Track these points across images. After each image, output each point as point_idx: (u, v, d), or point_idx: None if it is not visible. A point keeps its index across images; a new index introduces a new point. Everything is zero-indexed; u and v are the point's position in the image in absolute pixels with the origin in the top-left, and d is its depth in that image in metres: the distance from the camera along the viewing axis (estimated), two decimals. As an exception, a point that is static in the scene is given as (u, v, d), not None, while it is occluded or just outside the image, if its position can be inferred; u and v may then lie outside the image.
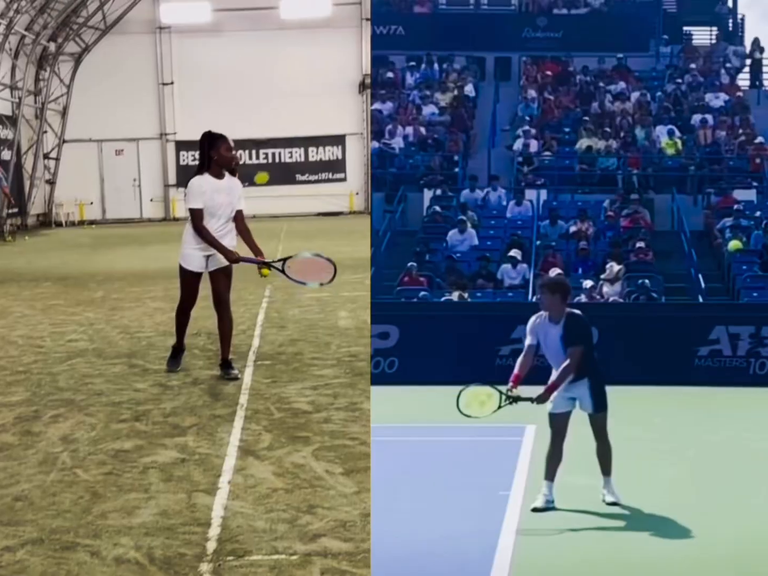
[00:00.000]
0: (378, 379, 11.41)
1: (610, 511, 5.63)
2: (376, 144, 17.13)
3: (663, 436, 7.95)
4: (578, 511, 5.64)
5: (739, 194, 15.59)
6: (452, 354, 10.84)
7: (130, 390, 6.79)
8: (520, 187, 15.95)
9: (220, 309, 7.09)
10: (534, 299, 12.59)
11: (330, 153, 28.99)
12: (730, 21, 21.73)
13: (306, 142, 28.73)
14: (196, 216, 6.83)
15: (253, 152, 28.62)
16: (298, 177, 29.09)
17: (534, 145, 16.98)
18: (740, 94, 18.70)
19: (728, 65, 19.64)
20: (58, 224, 28.58)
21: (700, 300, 12.61)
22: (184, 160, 27.58)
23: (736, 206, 14.91)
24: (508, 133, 17.69)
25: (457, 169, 16.66)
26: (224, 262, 6.95)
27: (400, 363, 11.37)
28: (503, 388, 5.59)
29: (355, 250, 16.92)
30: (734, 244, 13.93)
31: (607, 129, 17.16)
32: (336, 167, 29.14)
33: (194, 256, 6.99)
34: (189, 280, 7.11)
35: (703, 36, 21.81)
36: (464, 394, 5.68)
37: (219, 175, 6.89)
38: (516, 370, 5.73)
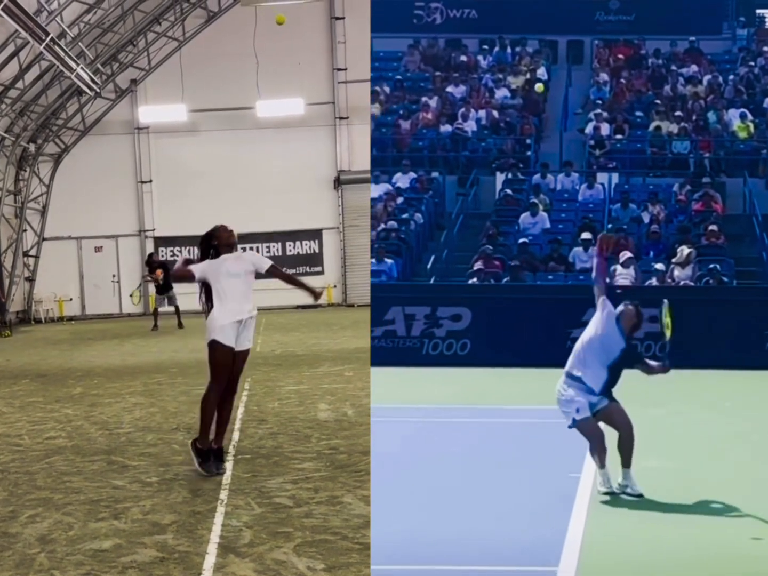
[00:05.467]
0: (450, 360, 11.73)
1: (679, 493, 5.64)
2: (449, 127, 17.40)
3: (732, 420, 7.94)
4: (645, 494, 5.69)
5: (812, 178, 15.64)
6: (524, 336, 10.80)
7: (108, 487, 6.72)
8: (591, 170, 16.10)
9: (229, 395, 7.11)
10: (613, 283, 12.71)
11: (307, 247, 29.29)
12: (804, 3, 21.89)
13: (283, 236, 29.05)
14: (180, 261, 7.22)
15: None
16: (276, 271, 29.29)
17: (606, 129, 17.16)
18: (814, 77, 18.74)
19: (802, 48, 19.62)
20: (38, 321, 28.49)
21: None
22: (162, 256, 27.72)
23: None
24: (580, 116, 17.92)
25: (529, 153, 16.93)
26: (247, 345, 7.05)
27: (473, 345, 11.38)
28: None
29: (333, 343, 16.96)
30: (806, 228, 13.95)
31: (679, 112, 17.23)
32: (313, 261, 29.41)
33: (228, 328, 6.92)
34: (227, 358, 6.96)
35: (776, 18, 21.77)
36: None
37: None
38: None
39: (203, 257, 7.22)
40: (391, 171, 16.86)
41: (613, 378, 6.09)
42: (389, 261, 14.15)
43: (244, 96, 27.80)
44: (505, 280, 12.94)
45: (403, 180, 16.62)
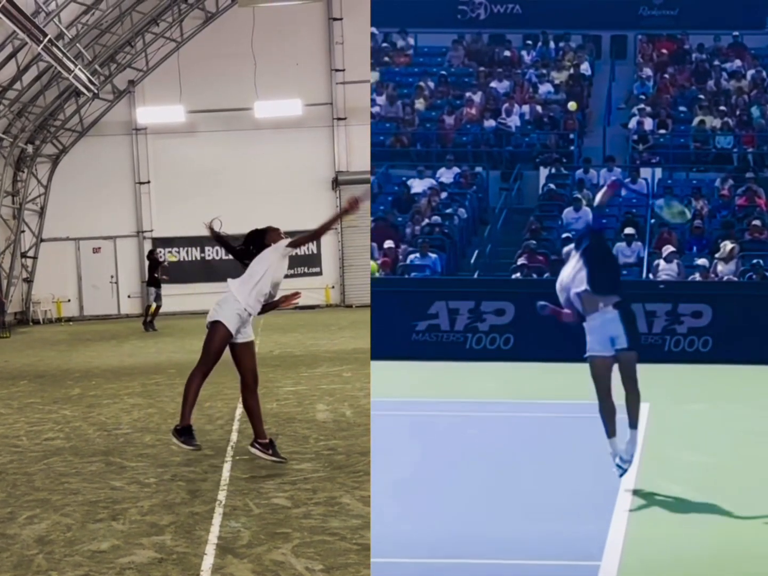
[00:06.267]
0: (494, 355, 11.93)
1: (720, 489, 5.68)
2: (492, 122, 17.57)
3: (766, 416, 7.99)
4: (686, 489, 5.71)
5: None
6: (567, 331, 10.93)
7: (107, 488, 6.72)
8: (635, 165, 16.18)
9: (255, 386, 7.11)
10: (648, 277, 12.80)
11: (305, 248, 29.25)
12: None
13: (281, 237, 29.02)
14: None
15: (230, 248, 28.82)
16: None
17: (649, 124, 17.22)
18: None
19: None
20: (36, 322, 28.49)
21: None
22: (161, 257, 27.73)
23: None
24: (623, 111, 17.97)
25: (572, 148, 17.05)
26: (251, 337, 7.09)
27: (516, 339, 11.45)
28: None
29: (331, 343, 16.97)
30: None
31: (723, 107, 17.26)
32: (311, 262, 29.40)
33: (238, 317, 6.95)
34: (224, 343, 6.99)
35: (821, 12, 21.74)
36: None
37: None
38: None
39: (245, 255, 7.18)
40: (435, 166, 16.95)
41: (591, 267, 6.01)
42: (433, 255, 14.25)
43: (242, 97, 27.81)
44: (546, 275, 13.01)
45: (446, 175, 16.70)
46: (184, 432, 7.13)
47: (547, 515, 5.47)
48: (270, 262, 7.04)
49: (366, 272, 26.92)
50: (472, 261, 14.46)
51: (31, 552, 5.31)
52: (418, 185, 16.26)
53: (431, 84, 19.00)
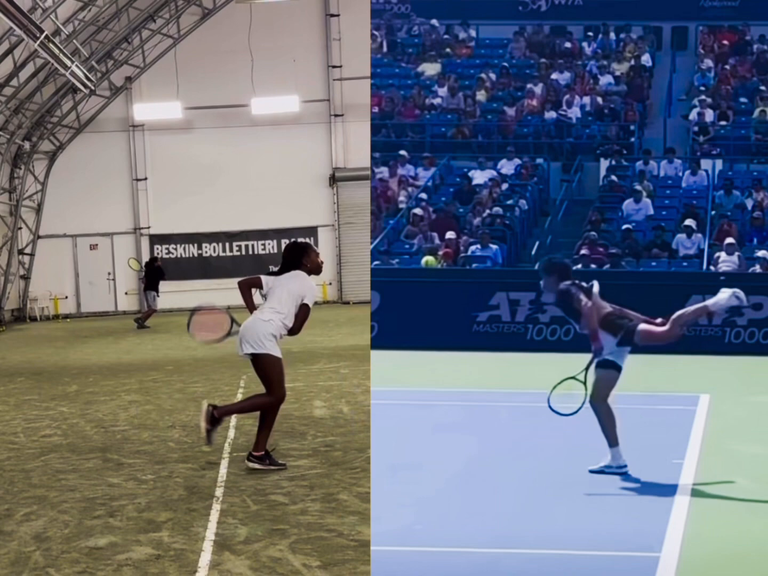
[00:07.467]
0: (554, 346, 12.11)
1: None
2: (553, 114, 17.70)
3: None
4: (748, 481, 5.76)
5: None
6: None
7: (104, 485, 6.72)
8: (695, 156, 16.24)
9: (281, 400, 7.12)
10: (709, 269, 12.90)
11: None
12: None
13: (278, 234, 29.03)
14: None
15: (226, 245, 28.85)
16: (272, 268, 29.01)
17: (710, 115, 17.28)
18: None
19: None
20: (33, 319, 28.47)
21: None
22: (158, 254, 27.74)
23: None
24: (683, 102, 18.05)
25: (633, 139, 17.10)
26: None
27: (576, 331, 11.65)
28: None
29: (329, 340, 16.96)
30: None
31: None
32: (309, 258, 29.41)
33: (275, 342, 6.95)
34: (283, 369, 7.03)
35: None
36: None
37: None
38: None
39: (285, 270, 7.01)
40: (496, 157, 17.00)
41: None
42: (494, 247, 14.30)
43: (239, 93, 27.79)
44: (606, 266, 13.08)
45: (508, 166, 16.78)
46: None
47: (606, 506, 5.47)
48: (292, 297, 6.88)
49: (363, 269, 26.94)
50: (533, 252, 14.54)
51: (28, 549, 5.31)
52: (479, 176, 16.31)
53: (492, 76, 19.10)
